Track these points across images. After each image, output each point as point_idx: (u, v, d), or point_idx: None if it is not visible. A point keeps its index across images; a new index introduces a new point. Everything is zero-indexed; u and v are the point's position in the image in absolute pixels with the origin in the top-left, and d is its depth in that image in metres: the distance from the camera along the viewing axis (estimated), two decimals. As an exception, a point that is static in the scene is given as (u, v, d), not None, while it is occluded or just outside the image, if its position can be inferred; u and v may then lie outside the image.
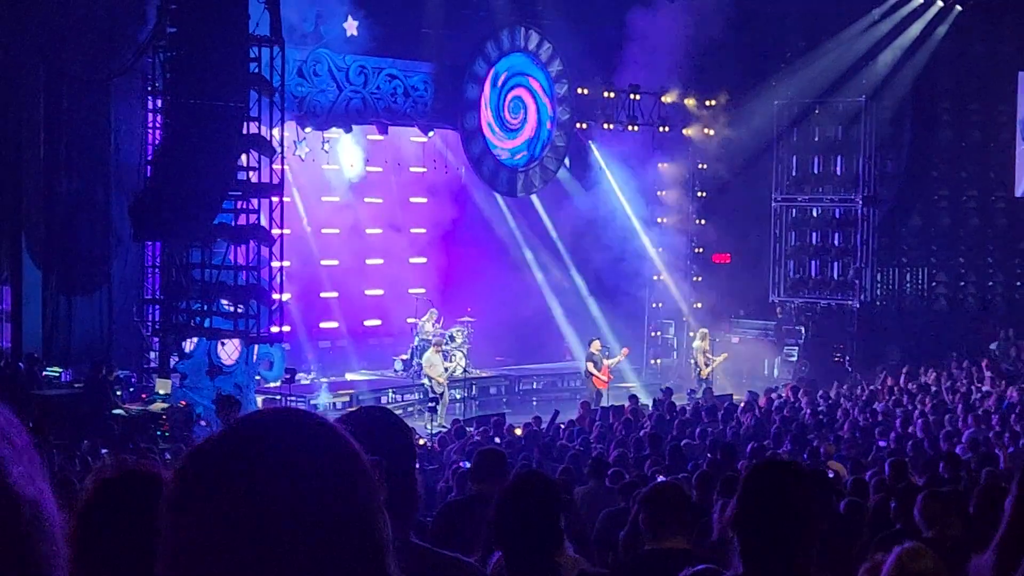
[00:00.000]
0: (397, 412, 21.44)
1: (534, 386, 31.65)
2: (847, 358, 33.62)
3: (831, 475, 12.99)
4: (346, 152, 29.60)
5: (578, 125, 31.62)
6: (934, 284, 36.48)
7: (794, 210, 35.54)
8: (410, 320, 30.18)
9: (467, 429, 21.60)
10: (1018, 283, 36.08)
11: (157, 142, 23.49)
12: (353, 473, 1.81)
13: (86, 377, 22.95)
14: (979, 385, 27.65)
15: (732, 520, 4.03)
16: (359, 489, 1.81)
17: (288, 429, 1.81)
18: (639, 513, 7.50)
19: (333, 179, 30.23)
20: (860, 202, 34.27)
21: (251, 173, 23.29)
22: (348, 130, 27.78)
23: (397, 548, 1.79)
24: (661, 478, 12.39)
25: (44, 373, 23.46)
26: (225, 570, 1.71)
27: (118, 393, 23.02)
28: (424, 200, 32.35)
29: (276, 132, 23.37)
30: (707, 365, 29.65)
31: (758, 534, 3.94)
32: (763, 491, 4.02)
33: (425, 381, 27.12)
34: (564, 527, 5.01)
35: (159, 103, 23.53)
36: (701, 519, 9.26)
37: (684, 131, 34.25)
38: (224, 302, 23.80)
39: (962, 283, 36.36)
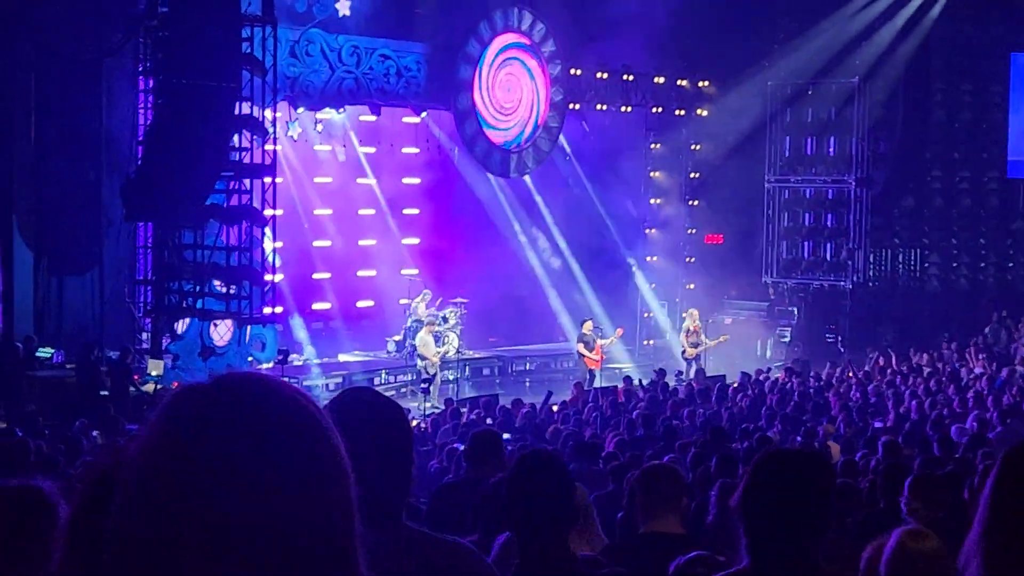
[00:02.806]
0: (390, 393, 21.36)
1: (527, 367, 31.64)
2: (840, 339, 33.65)
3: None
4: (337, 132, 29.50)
5: (571, 106, 31.54)
6: (926, 265, 36.54)
7: (787, 191, 35.54)
8: (403, 301, 30.12)
9: (460, 410, 21.60)
10: (1010, 264, 36.13)
11: (149, 123, 23.43)
12: (313, 440, 1.76)
13: (77, 358, 22.91)
14: (971, 366, 27.66)
15: (739, 508, 3.91)
16: (320, 455, 1.75)
17: (242, 391, 1.76)
18: (633, 496, 7.51)
19: (325, 160, 30.16)
20: (853, 183, 34.27)
21: (243, 154, 23.23)
22: (340, 110, 27.71)
23: (390, 531, 1.73)
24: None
25: (36, 354, 23.44)
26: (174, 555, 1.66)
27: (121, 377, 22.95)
28: (417, 181, 32.27)
29: (268, 113, 23.31)
30: (695, 346, 29.63)
31: (768, 525, 3.82)
32: (775, 480, 3.88)
33: (418, 362, 27.12)
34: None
35: (151, 83, 23.46)
36: (696, 500, 9.26)
37: (677, 112, 34.18)
38: (216, 283, 23.78)
39: (955, 264, 36.41)
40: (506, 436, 16.76)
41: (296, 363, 27.33)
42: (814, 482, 3.87)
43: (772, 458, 4.05)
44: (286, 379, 1.87)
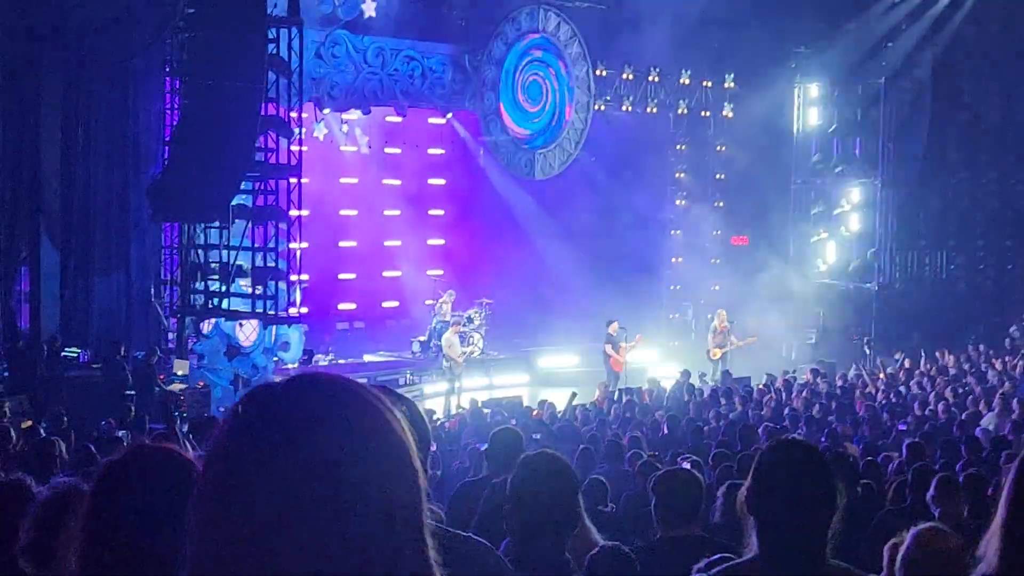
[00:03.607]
0: (414, 393, 21.33)
1: (551, 367, 31.58)
2: (866, 341, 33.54)
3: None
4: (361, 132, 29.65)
5: (596, 106, 31.53)
6: (952, 267, 36.37)
7: (813, 192, 35.45)
8: (428, 302, 30.17)
9: (484, 410, 21.62)
10: (1037, 266, 35.97)
11: (175, 123, 23.52)
12: (382, 436, 1.82)
13: (104, 358, 23.00)
14: (997, 368, 27.53)
15: (747, 501, 3.96)
16: (389, 452, 1.81)
17: (319, 394, 1.83)
18: (654, 501, 7.52)
19: (351, 160, 30.23)
20: (879, 184, 34.16)
21: (269, 154, 23.29)
22: (366, 112, 27.76)
23: None
24: (686, 465, 12.35)
25: (63, 354, 23.52)
26: (255, 547, 1.71)
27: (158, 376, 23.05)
28: (442, 182, 32.32)
29: (294, 113, 23.37)
30: (720, 347, 29.56)
31: (774, 515, 3.87)
32: (778, 471, 3.93)
33: (443, 362, 27.14)
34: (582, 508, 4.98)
35: (177, 84, 23.55)
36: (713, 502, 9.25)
37: (702, 113, 34.15)
38: (242, 283, 23.83)
39: (981, 266, 36.25)
40: (536, 436, 16.78)
41: (321, 363, 27.39)
42: (815, 473, 3.90)
43: (774, 450, 4.08)
44: (360, 380, 1.94)
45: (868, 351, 32.69)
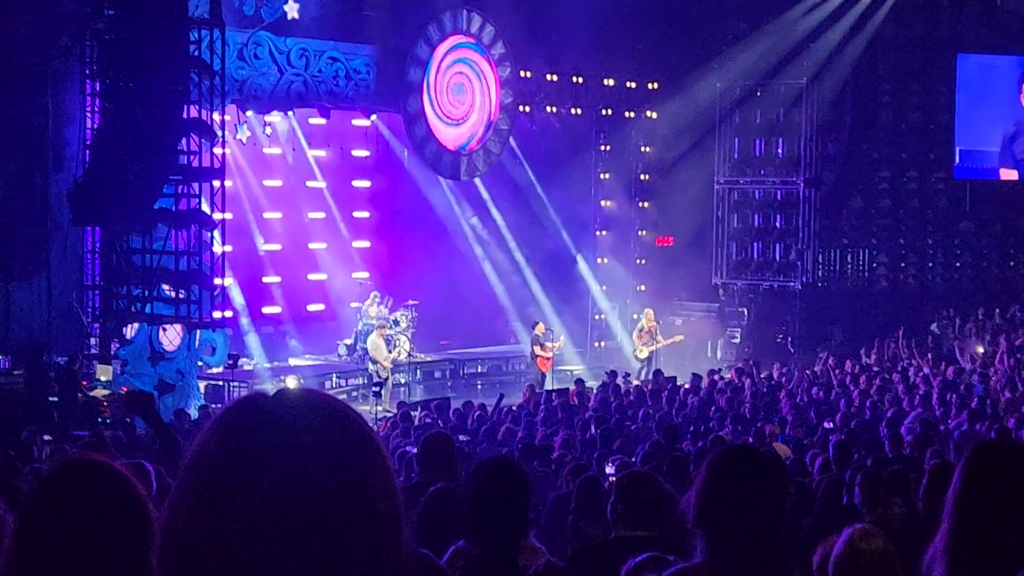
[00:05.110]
0: (341, 396, 21.31)
1: (479, 370, 31.61)
2: (790, 339, 33.80)
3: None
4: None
5: (521, 108, 31.54)
6: (875, 265, 36.75)
7: (736, 192, 35.66)
8: (354, 304, 30.05)
9: (412, 413, 21.57)
10: (957, 264, 36.44)
11: (96, 126, 23.26)
12: (367, 457, 1.85)
13: (25, 364, 22.71)
14: (919, 365, 27.82)
15: (696, 510, 3.91)
16: (372, 472, 1.84)
17: (299, 410, 1.84)
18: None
19: (275, 163, 30.03)
20: (801, 184, 34.42)
21: (191, 157, 23.10)
22: (289, 113, 27.61)
23: None
24: (610, 467, 12.36)
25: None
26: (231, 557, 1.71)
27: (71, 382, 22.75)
28: (367, 184, 32.17)
29: (216, 116, 23.19)
30: (647, 347, 29.67)
31: (732, 524, 3.84)
32: (732, 480, 3.90)
33: (370, 365, 27.05)
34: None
35: (98, 86, 23.29)
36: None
37: (626, 114, 34.24)
38: (165, 287, 23.64)
39: (903, 264, 36.66)
40: (462, 437, 16.76)
41: (246, 367, 27.21)
42: (767, 476, 3.90)
43: (726, 455, 4.05)
44: (340, 397, 1.96)
45: (792, 349, 32.94)
